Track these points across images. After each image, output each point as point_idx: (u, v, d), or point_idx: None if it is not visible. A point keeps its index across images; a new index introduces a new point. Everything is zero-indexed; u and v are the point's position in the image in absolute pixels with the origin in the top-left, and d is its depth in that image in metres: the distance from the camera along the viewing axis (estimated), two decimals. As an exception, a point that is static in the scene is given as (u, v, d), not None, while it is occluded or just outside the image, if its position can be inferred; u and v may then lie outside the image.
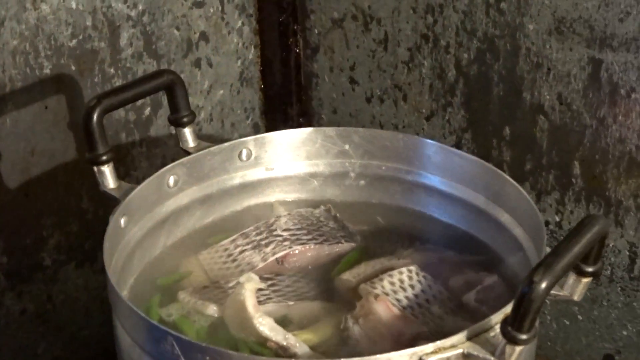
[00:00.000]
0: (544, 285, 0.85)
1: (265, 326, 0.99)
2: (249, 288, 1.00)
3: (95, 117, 1.10)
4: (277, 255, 1.14)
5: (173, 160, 1.21)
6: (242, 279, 1.01)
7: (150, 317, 1.04)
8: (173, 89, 1.18)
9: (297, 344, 0.98)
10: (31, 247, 1.28)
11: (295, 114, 1.54)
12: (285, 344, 0.98)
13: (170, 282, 1.12)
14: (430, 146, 1.22)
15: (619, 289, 1.32)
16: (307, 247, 1.15)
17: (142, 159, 1.38)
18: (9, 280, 1.27)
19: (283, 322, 1.02)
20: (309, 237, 1.16)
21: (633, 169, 1.25)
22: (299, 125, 1.53)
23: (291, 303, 1.07)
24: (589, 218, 0.92)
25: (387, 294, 1.04)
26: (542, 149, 1.31)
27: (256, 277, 1.02)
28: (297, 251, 1.15)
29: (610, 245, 1.30)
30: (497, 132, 1.34)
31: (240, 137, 1.26)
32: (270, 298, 1.07)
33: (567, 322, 1.38)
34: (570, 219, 1.32)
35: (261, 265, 1.13)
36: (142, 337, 0.95)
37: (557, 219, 1.33)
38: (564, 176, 1.31)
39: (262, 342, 0.99)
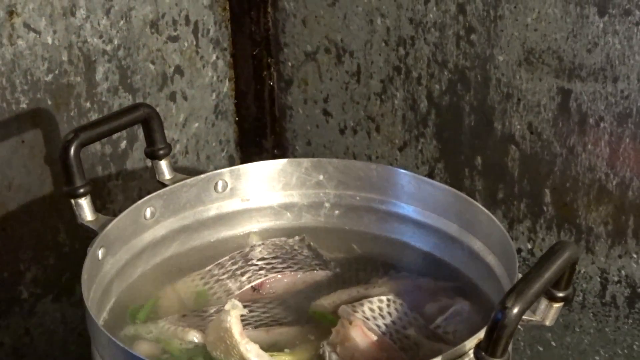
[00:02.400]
0: (516, 310, 0.87)
1: (252, 352, 1.00)
2: (235, 315, 1.01)
3: (72, 150, 1.11)
4: (253, 283, 1.15)
5: (149, 193, 1.21)
6: (227, 306, 1.02)
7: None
8: (149, 122, 1.20)
9: None
10: (8, 281, 1.29)
11: (269, 146, 1.55)
12: None
13: (144, 313, 1.13)
14: (404, 176, 1.23)
15: (591, 314, 1.33)
16: (283, 274, 1.17)
17: (118, 191, 1.38)
18: (-14, 314, 1.28)
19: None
20: (284, 265, 1.17)
21: (603, 197, 1.26)
22: (274, 157, 1.54)
23: (268, 329, 1.08)
24: (559, 244, 0.93)
25: (367, 319, 1.05)
26: (513, 177, 1.33)
27: (240, 304, 1.03)
28: (272, 279, 1.16)
29: (582, 271, 1.31)
30: (469, 161, 1.36)
31: (216, 169, 1.27)
32: (249, 324, 1.07)
33: (541, 349, 1.39)
34: (542, 246, 1.34)
35: (237, 292, 1.14)
36: (121, 368, 0.96)
37: (529, 246, 1.35)
38: (535, 204, 1.32)
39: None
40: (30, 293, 1.31)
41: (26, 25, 1.22)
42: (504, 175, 1.33)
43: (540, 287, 0.90)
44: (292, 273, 1.17)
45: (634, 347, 1.32)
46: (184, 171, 1.28)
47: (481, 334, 0.92)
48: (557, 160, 1.29)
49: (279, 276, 1.16)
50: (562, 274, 0.94)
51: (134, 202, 1.19)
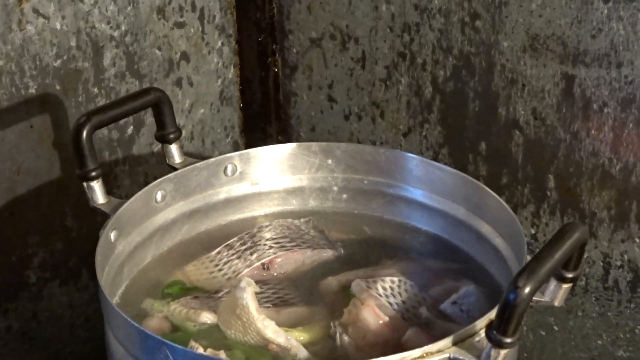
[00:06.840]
0: (527, 290, 0.88)
1: (269, 328, 1.01)
2: (250, 292, 1.02)
3: (85, 133, 1.12)
4: (263, 261, 1.16)
5: (156, 178, 1.22)
6: (242, 283, 1.03)
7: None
8: (160, 106, 1.20)
9: (299, 347, 1.00)
10: (16, 265, 1.29)
11: (274, 132, 1.55)
12: (287, 345, 1.00)
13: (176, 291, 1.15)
14: (412, 160, 1.24)
15: (594, 299, 1.34)
16: (292, 251, 1.18)
17: (124, 176, 1.39)
18: (-5, 298, 1.28)
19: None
20: (293, 244, 1.19)
21: (606, 181, 1.27)
22: (278, 143, 1.54)
23: (279, 309, 1.09)
24: (569, 225, 0.95)
25: (380, 296, 1.06)
26: (517, 163, 1.34)
27: (253, 282, 1.04)
28: (282, 256, 1.17)
29: (585, 256, 1.32)
30: (473, 147, 1.37)
31: (221, 155, 1.28)
32: (260, 304, 1.08)
33: (543, 333, 1.40)
34: (546, 231, 1.34)
35: (246, 270, 1.15)
36: (136, 348, 0.97)
37: (533, 231, 1.36)
38: (539, 189, 1.33)
39: (263, 345, 1.01)
40: (38, 277, 1.32)
41: (35, 11, 1.23)
42: (508, 160, 1.34)
43: (551, 267, 0.91)
44: (301, 250, 1.18)
45: (636, 331, 1.33)
46: (191, 157, 1.29)
47: (492, 314, 0.93)
48: (561, 146, 1.29)
49: (289, 253, 1.17)
50: (571, 254, 0.95)
51: (140, 187, 1.20)
